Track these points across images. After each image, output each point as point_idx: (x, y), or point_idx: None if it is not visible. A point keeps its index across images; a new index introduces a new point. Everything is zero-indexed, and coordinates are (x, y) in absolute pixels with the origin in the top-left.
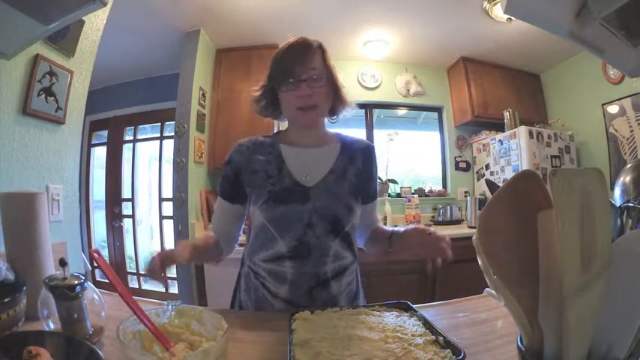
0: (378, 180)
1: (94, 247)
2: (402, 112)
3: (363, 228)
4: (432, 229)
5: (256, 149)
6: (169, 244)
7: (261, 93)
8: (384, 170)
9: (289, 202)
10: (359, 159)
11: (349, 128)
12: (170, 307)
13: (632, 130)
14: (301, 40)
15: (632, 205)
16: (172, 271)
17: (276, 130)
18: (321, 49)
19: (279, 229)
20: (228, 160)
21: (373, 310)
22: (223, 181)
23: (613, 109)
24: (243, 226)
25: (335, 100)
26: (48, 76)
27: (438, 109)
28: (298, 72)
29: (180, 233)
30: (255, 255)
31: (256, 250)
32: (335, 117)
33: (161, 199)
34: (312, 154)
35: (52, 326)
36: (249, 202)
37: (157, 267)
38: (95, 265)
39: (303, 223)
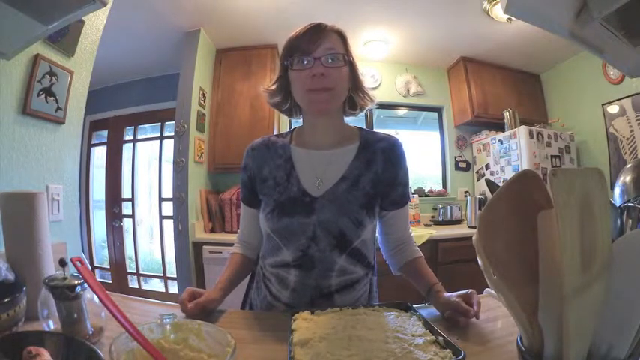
0: None
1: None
2: (402, 112)
3: (390, 243)
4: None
5: (268, 153)
6: (170, 244)
7: (276, 86)
8: None
9: (293, 214)
10: (379, 162)
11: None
12: (165, 320)
13: (632, 130)
14: (315, 22)
15: (632, 205)
16: (172, 271)
17: (275, 130)
18: (339, 34)
19: (283, 239)
20: (244, 166)
21: (373, 310)
22: (242, 187)
23: (613, 109)
24: None
25: (356, 92)
26: (48, 76)
27: (438, 109)
28: (312, 48)
29: (180, 233)
30: (266, 258)
31: (266, 254)
32: (357, 111)
33: (161, 199)
34: (325, 157)
35: (52, 326)
36: (260, 207)
37: (194, 311)
38: (91, 268)
39: (306, 236)
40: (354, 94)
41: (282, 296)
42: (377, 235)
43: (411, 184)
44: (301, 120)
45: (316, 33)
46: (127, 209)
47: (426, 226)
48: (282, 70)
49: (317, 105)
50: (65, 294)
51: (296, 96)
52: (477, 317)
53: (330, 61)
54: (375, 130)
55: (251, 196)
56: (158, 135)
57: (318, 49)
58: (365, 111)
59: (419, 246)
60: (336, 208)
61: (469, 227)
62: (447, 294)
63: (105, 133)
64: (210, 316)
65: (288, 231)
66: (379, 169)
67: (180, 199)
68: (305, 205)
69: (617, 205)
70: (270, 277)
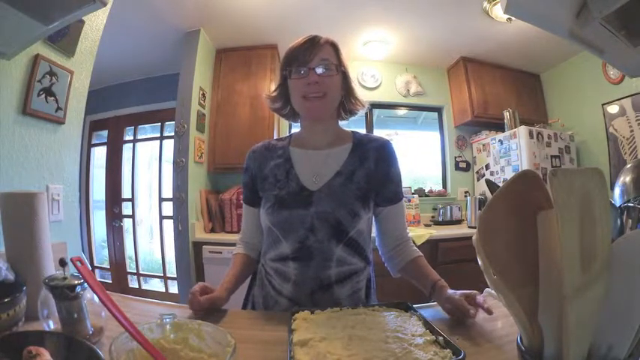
0: None
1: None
2: (402, 112)
3: (388, 243)
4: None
5: (268, 154)
6: (170, 244)
7: (276, 93)
8: None
9: (293, 207)
10: (371, 160)
11: (349, 128)
12: (165, 320)
13: (632, 130)
14: (311, 35)
15: (632, 205)
16: (172, 271)
17: (275, 130)
18: (333, 45)
19: (283, 231)
20: (245, 168)
21: (373, 310)
22: (244, 188)
23: (613, 109)
24: None
25: (347, 99)
26: (48, 76)
27: (438, 109)
28: (308, 59)
29: (180, 233)
30: (266, 254)
31: (266, 250)
32: (348, 115)
33: (161, 199)
34: (321, 156)
35: (52, 326)
36: (261, 205)
37: (201, 306)
38: (90, 268)
39: (305, 227)
40: (345, 100)
41: (285, 290)
42: (375, 236)
43: (411, 184)
44: (299, 123)
45: (312, 45)
46: (127, 209)
47: (426, 226)
48: (282, 78)
49: (312, 112)
50: (65, 294)
51: (294, 102)
52: (490, 313)
53: (324, 70)
54: (374, 130)
55: (252, 195)
56: (158, 135)
57: (313, 60)
58: (361, 113)
59: (418, 246)
60: (333, 200)
61: (469, 227)
62: (451, 290)
63: (105, 133)
64: (211, 316)
65: (288, 223)
66: (372, 166)
67: (180, 199)
68: (303, 199)
69: (617, 205)
70: (271, 272)
